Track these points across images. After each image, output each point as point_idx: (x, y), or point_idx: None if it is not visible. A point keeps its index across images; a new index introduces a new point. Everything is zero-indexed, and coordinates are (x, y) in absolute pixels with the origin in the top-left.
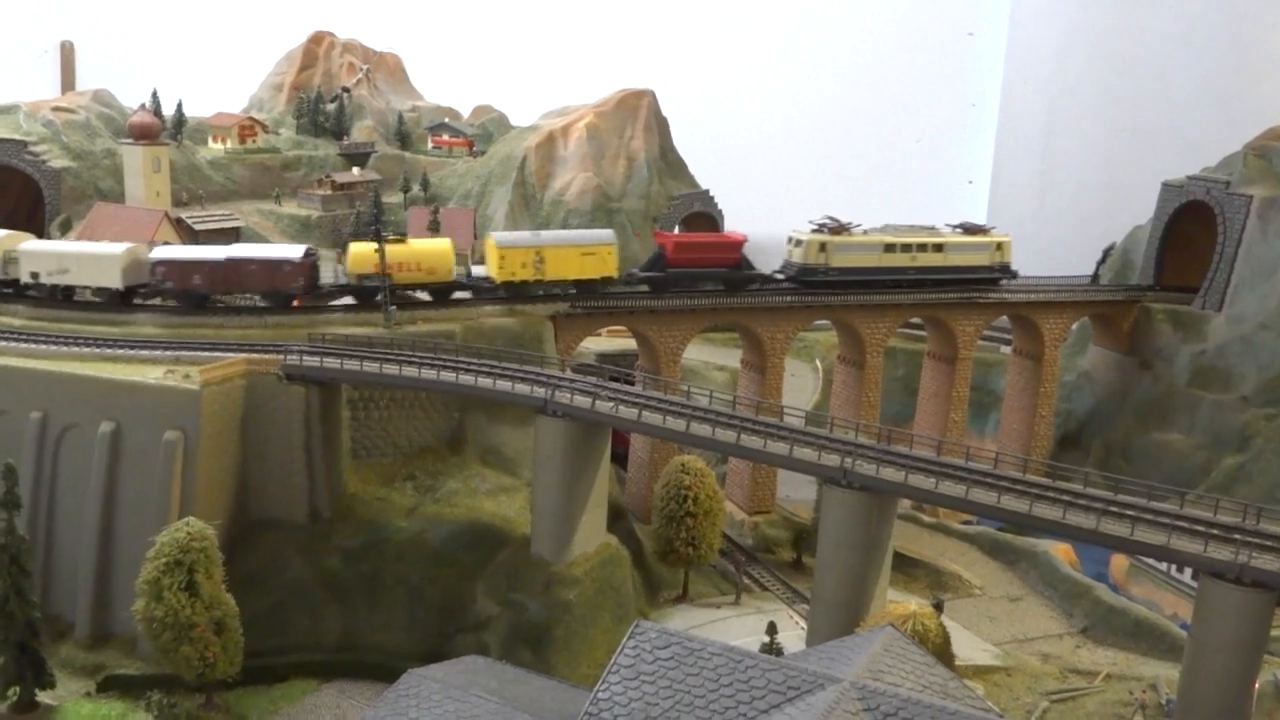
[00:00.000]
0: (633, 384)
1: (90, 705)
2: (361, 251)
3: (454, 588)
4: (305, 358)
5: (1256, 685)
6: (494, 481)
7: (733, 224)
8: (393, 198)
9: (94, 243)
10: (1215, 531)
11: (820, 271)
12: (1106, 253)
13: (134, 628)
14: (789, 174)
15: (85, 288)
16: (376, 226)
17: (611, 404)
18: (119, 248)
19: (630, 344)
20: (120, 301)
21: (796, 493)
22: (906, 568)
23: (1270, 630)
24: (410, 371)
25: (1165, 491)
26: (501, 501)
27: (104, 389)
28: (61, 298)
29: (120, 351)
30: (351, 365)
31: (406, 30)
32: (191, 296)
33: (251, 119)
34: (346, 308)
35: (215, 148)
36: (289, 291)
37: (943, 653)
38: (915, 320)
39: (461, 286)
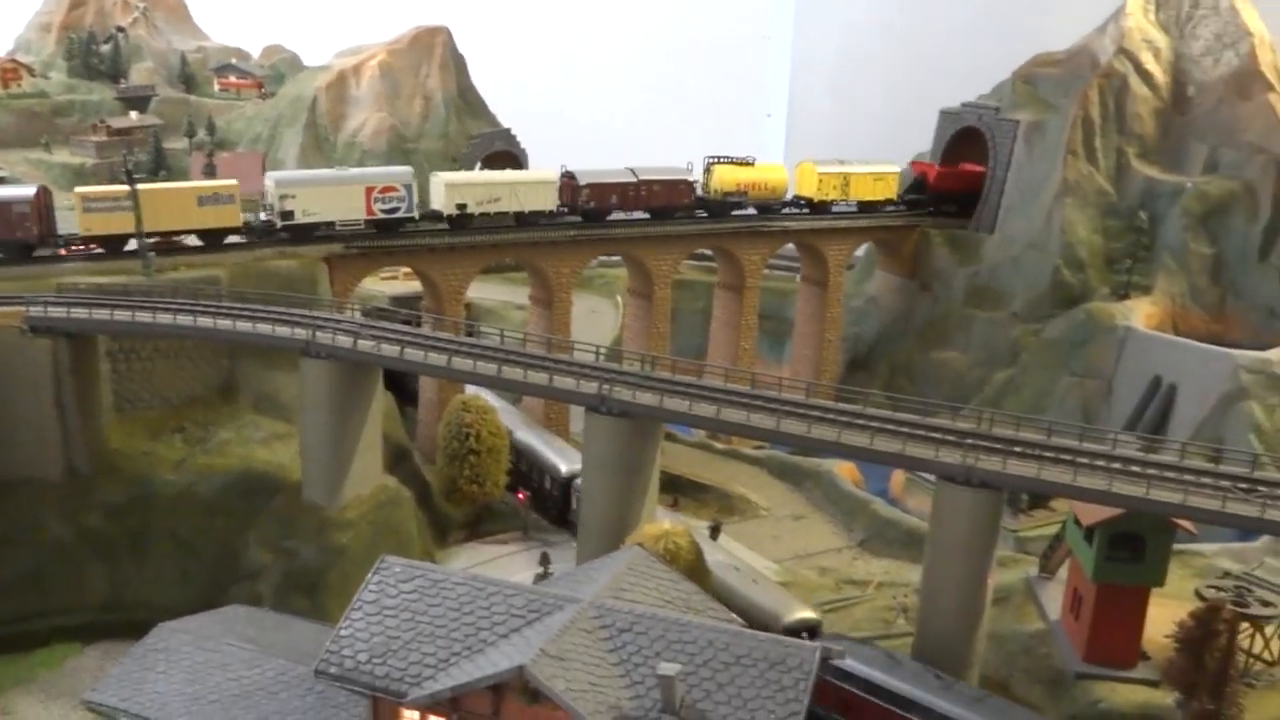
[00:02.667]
0: (419, 325)
1: None
2: (725, 173)
3: (226, 539)
4: (51, 309)
5: (991, 580)
6: (268, 429)
7: (536, 161)
8: (177, 143)
9: (526, 170)
10: (949, 438)
11: None
12: None
13: None
14: (591, 110)
15: (518, 213)
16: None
17: (374, 343)
18: (553, 173)
19: None
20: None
21: None
22: (697, 494)
23: (999, 527)
24: (165, 318)
25: (918, 404)
26: (276, 449)
27: None
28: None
29: None
30: (101, 314)
31: None
32: (595, 215)
33: (14, 61)
34: (91, 257)
35: None
36: (680, 207)
37: (694, 569)
38: (707, 251)
39: (791, 204)
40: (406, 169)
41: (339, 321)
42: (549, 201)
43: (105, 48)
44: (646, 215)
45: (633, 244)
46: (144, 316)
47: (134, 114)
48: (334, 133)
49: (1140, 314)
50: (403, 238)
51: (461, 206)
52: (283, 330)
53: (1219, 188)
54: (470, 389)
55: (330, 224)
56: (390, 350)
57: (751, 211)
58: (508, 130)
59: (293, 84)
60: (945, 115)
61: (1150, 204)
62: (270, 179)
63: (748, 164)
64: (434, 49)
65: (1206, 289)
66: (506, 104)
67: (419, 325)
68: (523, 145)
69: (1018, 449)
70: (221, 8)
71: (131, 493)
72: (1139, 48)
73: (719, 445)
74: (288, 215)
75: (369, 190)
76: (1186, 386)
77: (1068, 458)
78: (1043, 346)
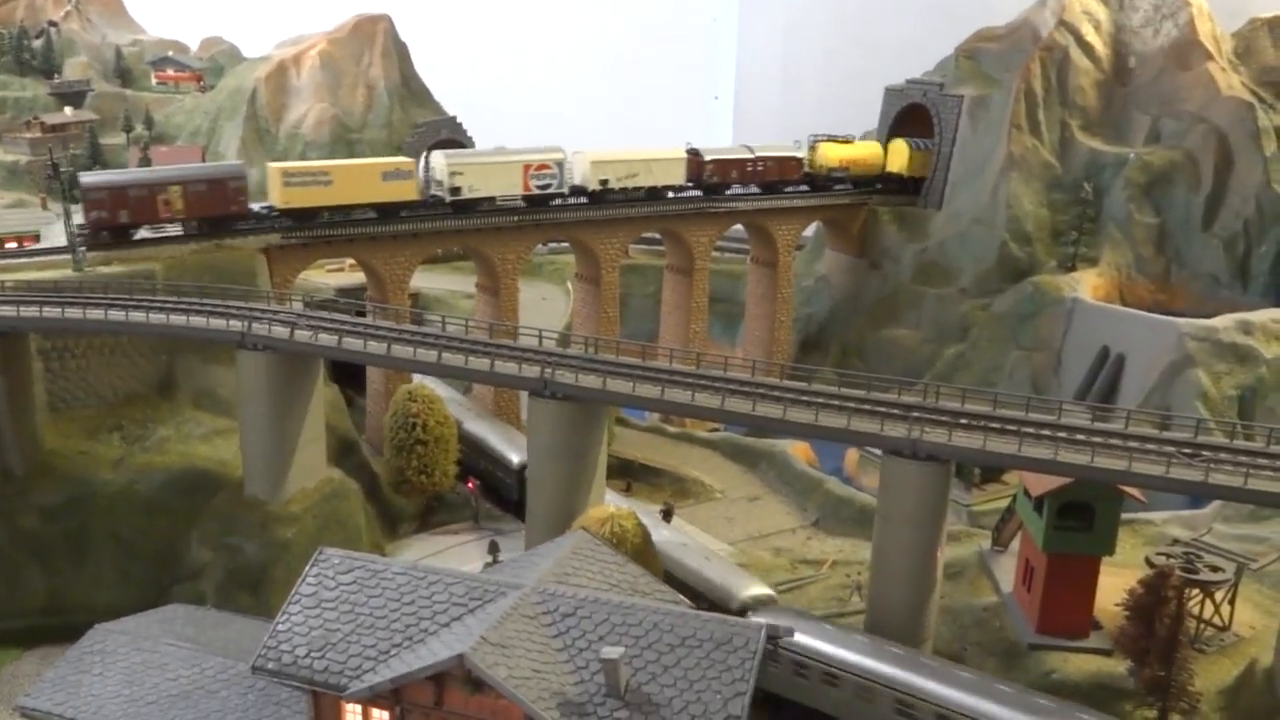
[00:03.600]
0: (364, 314)
1: None
2: (829, 150)
3: (168, 538)
4: None
5: (941, 553)
6: (209, 425)
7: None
8: (115, 138)
9: (658, 148)
10: (895, 411)
11: None
12: None
13: None
14: (539, 97)
15: (653, 188)
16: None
17: (311, 332)
18: (682, 150)
19: None
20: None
21: None
22: (650, 478)
23: (947, 499)
24: (95, 314)
25: (865, 379)
26: (217, 445)
27: None
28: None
29: None
30: (30, 311)
31: None
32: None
33: None
34: (33, 252)
35: None
36: (790, 181)
37: (642, 552)
38: (654, 235)
39: (882, 179)
40: (559, 148)
41: (276, 312)
42: (678, 176)
43: (37, 43)
44: (759, 190)
45: (577, 228)
46: (74, 313)
47: (69, 110)
48: (275, 124)
49: (1087, 285)
50: (342, 227)
51: (604, 182)
52: (217, 322)
53: (1161, 158)
54: (418, 379)
55: (492, 199)
56: (328, 339)
57: (849, 186)
58: (453, 119)
59: (232, 76)
60: (890, 93)
61: (1095, 175)
62: (441, 157)
63: (848, 142)
64: (375, 37)
65: (1151, 259)
66: (451, 92)
67: (363, 315)
68: (469, 133)
69: (964, 421)
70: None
71: (69, 493)
72: (1079, 20)
73: (671, 429)
74: (456, 191)
75: (526, 168)
76: (1134, 356)
77: (1013, 428)
78: (991, 321)
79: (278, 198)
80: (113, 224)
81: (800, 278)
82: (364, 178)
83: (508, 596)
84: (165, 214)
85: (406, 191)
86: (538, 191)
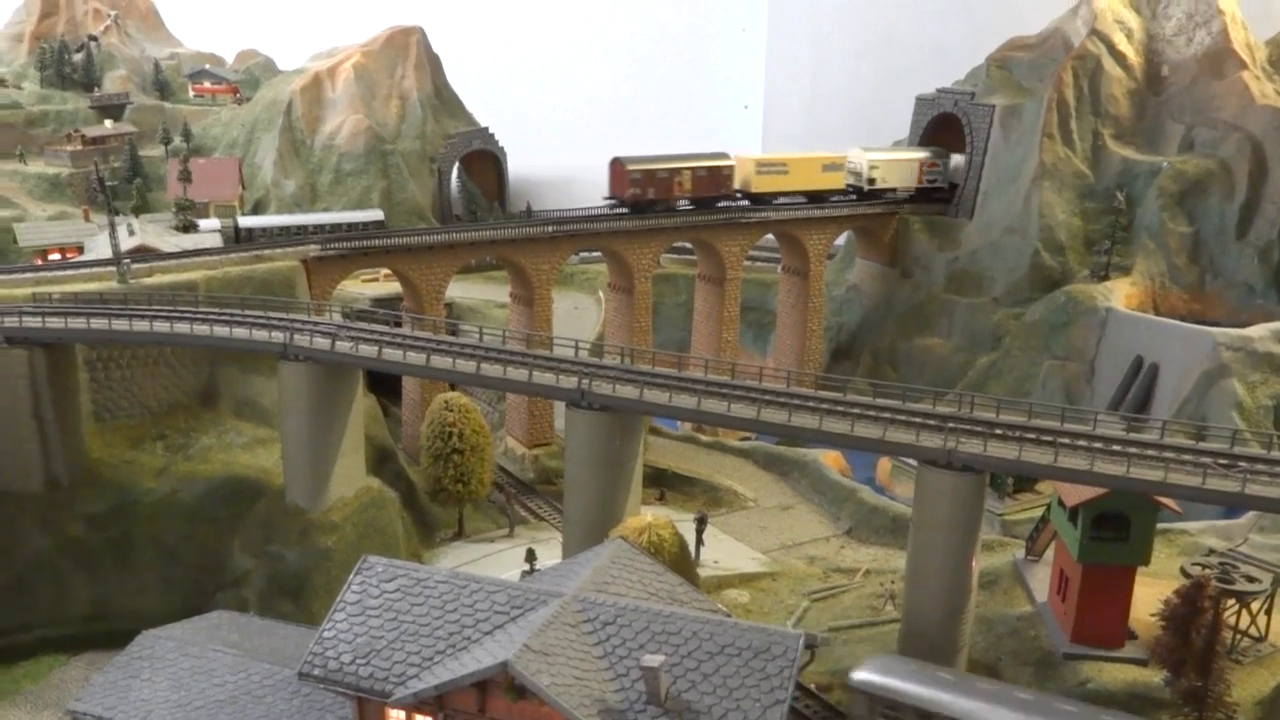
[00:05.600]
0: (400, 325)
1: None
2: None
3: (210, 545)
4: (26, 319)
5: (976, 563)
6: (250, 434)
7: (516, 159)
8: (153, 150)
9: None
10: (930, 422)
11: None
12: None
13: None
14: (569, 107)
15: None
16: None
17: (351, 344)
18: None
19: None
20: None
21: None
22: (684, 486)
23: (982, 509)
24: (141, 325)
25: (899, 389)
26: (259, 453)
27: None
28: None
29: None
30: (78, 323)
31: None
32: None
33: None
34: (79, 264)
35: None
36: None
37: (680, 561)
38: (686, 245)
39: None
40: (943, 150)
41: (316, 323)
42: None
43: (78, 56)
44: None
45: (611, 238)
46: (120, 324)
47: (109, 122)
48: (310, 136)
49: (1120, 295)
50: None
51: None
52: (260, 334)
53: (1195, 167)
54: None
55: (894, 189)
56: (368, 350)
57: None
58: (485, 129)
59: (268, 88)
60: (921, 102)
61: (1127, 185)
62: (863, 154)
63: None
64: (409, 49)
65: (1185, 268)
66: (483, 102)
67: (400, 325)
68: (500, 143)
69: (999, 431)
70: (194, 14)
71: (113, 502)
72: (1111, 29)
73: (704, 438)
74: (872, 181)
75: (921, 164)
76: (1168, 366)
77: (1049, 439)
78: (1024, 330)
79: (751, 184)
80: (642, 199)
81: (831, 286)
82: (810, 168)
83: (549, 605)
84: (678, 193)
85: (837, 181)
86: (926, 184)
